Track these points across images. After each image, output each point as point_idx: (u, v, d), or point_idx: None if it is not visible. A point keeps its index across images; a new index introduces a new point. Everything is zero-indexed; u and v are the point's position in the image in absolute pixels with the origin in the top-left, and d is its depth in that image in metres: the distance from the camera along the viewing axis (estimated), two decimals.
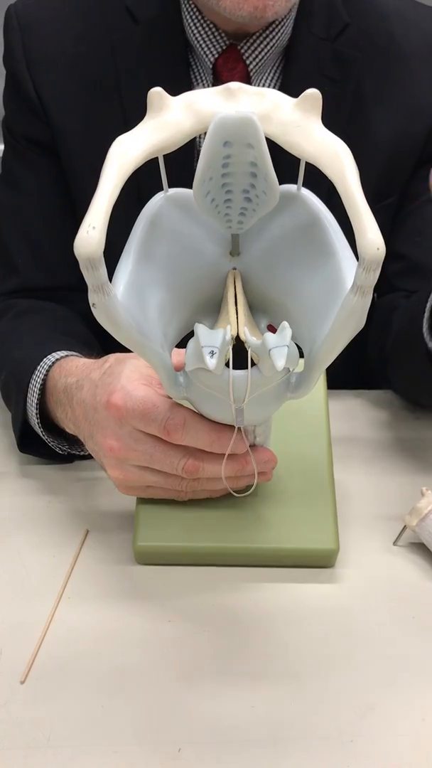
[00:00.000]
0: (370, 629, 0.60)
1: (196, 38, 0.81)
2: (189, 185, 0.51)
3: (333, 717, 0.54)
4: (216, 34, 0.80)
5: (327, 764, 0.51)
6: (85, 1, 0.85)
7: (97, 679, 0.56)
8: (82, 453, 0.73)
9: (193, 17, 0.80)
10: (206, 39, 0.80)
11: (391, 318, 0.84)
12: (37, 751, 0.51)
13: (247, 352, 0.49)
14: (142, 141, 0.44)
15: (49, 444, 0.73)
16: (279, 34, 0.81)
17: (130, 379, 0.59)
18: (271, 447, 0.63)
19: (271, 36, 0.80)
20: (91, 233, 0.40)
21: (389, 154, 0.84)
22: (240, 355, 0.49)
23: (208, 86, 0.83)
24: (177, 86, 0.81)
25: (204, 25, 0.80)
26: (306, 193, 0.51)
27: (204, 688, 0.55)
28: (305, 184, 0.50)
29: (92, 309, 0.44)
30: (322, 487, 0.65)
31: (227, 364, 0.48)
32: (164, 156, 0.46)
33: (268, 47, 0.81)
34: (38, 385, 0.71)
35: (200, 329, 0.47)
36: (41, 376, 0.71)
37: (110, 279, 0.44)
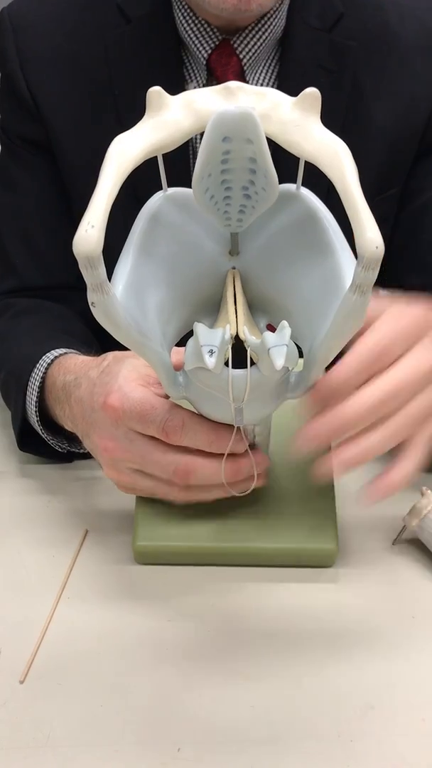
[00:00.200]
0: (370, 629, 0.60)
1: (189, 35, 0.80)
2: (185, 184, 0.51)
3: (333, 717, 0.54)
4: (208, 29, 0.80)
5: (327, 764, 0.51)
6: (77, 2, 0.85)
7: (96, 678, 0.56)
8: (81, 451, 0.73)
9: (185, 14, 0.80)
10: (198, 35, 0.80)
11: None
12: (36, 750, 0.51)
13: (246, 351, 0.49)
14: (141, 140, 0.43)
15: (49, 442, 0.73)
16: (272, 27, 0.80)
17: (128, 380, 0.59)
18: (271, 447, 0.63)
19: (263, 29, 0.80)
20: (90, 232, 0.40)
21: (388, 145, 0.84)
22: (239, 355, 0.49)
23: (202, 82, 0.83)
24: (170, 83, 0.81)
25: (196, 21, 0.80)
26: (305, 192, 0.51)
27: (204, 687, 0.55)
28: (304, 183, 0.50)
29: (91, 308, 0.44)
30: (322, 487, 0.65)
31: (226, 364, 0.48)
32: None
33: (261, 40, 0.80)
34: (37, 383, 0.71)
35: (199, 328, 0.47)
36: (40, 373, 0.71)
37: (109, 278, 0.44)
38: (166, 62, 0.82)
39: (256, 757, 0.51)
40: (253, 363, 0.49)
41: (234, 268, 0.54)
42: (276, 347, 0.46)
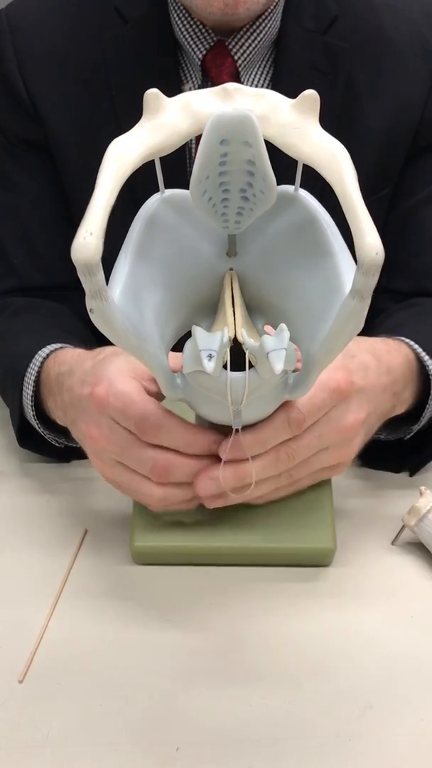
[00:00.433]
0: (369, 629, 0.60)
1: (184, 36, 0.81)
2: (182, 186, 0.51)
3: (331, 716, 0.54)
4: (203, 30, 0.80)
5: (325, 763, 0.51)
6: (74, 3, 0.85)
7: (95, 678, 0.56)
8: (77, 446, 0.73)
9: (180, 15, 0.80)
10: (194, 36, 0.80)
11: (373, 321, 0.84)
12: (35, 750, 0.51)
13: (244, 353, 0.49)
14: (139, 143, 0.43)
15: (45, 437, 0.73)
16: (266, 28, 0.80)
17: (119, 372, 0.59)
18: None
19: (258, 30, 0.80)
20: (88, 239, 0.40)
21: (381, 146, 0.84)
22: (237, 357, 0.49)
23: (197, 83, 0.83)
24: (166, 84, 0.81)
25: (191, 22, 0.80)
26: (303, 194, 0.51)
27: (202, 687, 0.55)
28: (301, 182, 0.50)
29: (90, 314, 0.44)
30: (319, 486, 0.65)
31: (225, 366, 0.48)
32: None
33: (256, 41, 0.80)
34: (33, 377, 0.71)
35: (198, 332, 0.47)
36: (36, 368, 0.71)
37: (107, 279, 0.44)
38: (162, 63, 0.82)
39: (255, 756, 0.51)
40: (251, 365, 0.49)
41: (231, 269, 0.54)
42: (275, 351, 0.46)
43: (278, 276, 0.53)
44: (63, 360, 0.69)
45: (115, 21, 0.82)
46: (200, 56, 0.81)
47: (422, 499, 0.64)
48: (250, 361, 0.49)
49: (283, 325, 0.47)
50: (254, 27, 0.80)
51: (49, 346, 0.73)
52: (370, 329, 0.81)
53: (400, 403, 0.68)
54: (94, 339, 0.83)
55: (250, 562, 0.64)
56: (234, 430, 0.54)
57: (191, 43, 0.80)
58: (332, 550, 0.63)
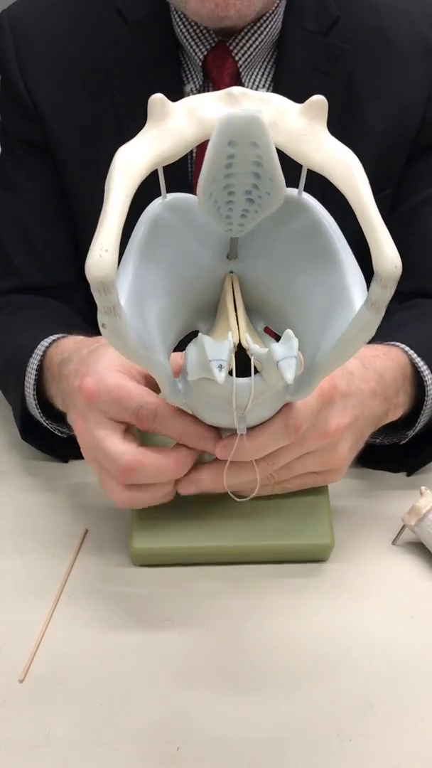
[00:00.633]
0: (369, 628, 0.60)
1: (185, 36, 0.81)
2: (184, 190, 0.50)
3: (332, 716, 0.54)
4: (204, 31, 0.80)
5: (326, 763, 0.51)
6: (76, 3, 0.85)
7: (95, 678, 0.56)
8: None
9: (181, 17, 0.80)
10: (194, 37, 0.80)
11: None
12: (35, 750, 0.51)
13: (247, 357, 0.48)
14: (146, 152, 0.42)
15: (47, 426, 0.73)
16: (267, 29, 0.81)
17: (108, 365, 0.59)
18: None
19: (259, 31, 0.80)
20: (104, 256, 0.39)
21: (383, 146, 0.84)
22: (240, 361, 0.49)
23: (199, 84, 0.83)
24: (168, 85, 0.82)
25: (192, 23, 0.80)
26: (308, 198, 0.50)
27: (202, 687, 0.56)
28: (296, 183, 0.50)
29: (101, 329, 0.44)
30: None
31: (230, 372, 0.48)
32: None
33: (257, 42, 0.81)
34: (35, 367, 0.71)
35: (206, 341, 0.47)
36: (38, 357, 0.72)
37: None
38: (163, 64, 0.82)
39: (255, 756, 0.51)
40: (256, 371, 0.49)
41: (231, 272, 0.54)
42: (285, 359, 0.46)
43: (280, 279, 0.53)
44: (64, 348, 0.70)
45: (116, 21, 0.82)
46: (201, 57, 0.81)
47: (422, 499, 0.65)
48: (255, 367, 0.49)
49: (290, 332, 0.47)
50: (255, 28, 0.80)
51: (51, 336, 0.73)
52: None
53: (393, 407, 0.68)
54: (94, 334, 0.84)
55: (249, 560, 0.64)
56: (238, 434, 0.54)
57: (192, 44, 0.80)
58: (330, 545, 0.64)
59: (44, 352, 0.71)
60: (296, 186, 0.50)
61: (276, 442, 0.58)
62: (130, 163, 0.42)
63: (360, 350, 0.66)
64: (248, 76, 0.82)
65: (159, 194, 0.50)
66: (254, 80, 0.83)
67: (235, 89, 0.44)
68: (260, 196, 0.46)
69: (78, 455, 0.73)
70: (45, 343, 0.72)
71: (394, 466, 0.75)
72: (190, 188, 0.45)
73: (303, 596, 0.62)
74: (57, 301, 0.88)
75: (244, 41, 0.80)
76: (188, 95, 0.49)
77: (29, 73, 0.84)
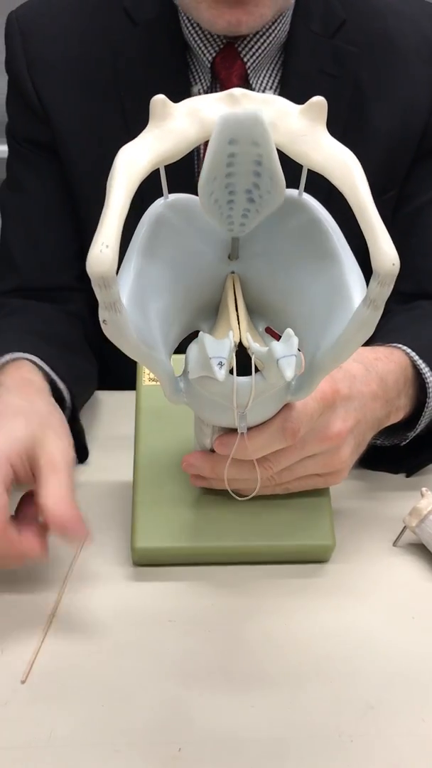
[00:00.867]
0: (370, 630, 0.60)
1: (194, 38, 0.81)
2: (188, 190, 0.51)
3: (333, 717, 0.54)
4: (212, 34, 0.80)
5: (327, 764, 0.51)
6: (84, 4, 0.85)
7: (97, 678, 0.56)
8: None
9: (190, 19, 0.81)
10: (203, 39, 0.81)
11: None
12: (37, 750, 0.51)
13: (247, 356, 0.49)
14: (148, 151, 0.43)
15: None
16: (276, 32, 0.81)
17: None
18: None
19: (267, 34, 0.81)
20: (104, 252, 0.40)
21: (389, 148, 0.85)
22: (241, 360, 0.49)
23: (207, 85, 0.83)
24: (175, 86, 0.82)
25: (200, 26, 0.80)
26: (308, 198, 0.51)
27: (204, 687, 0.56)
28: (307, 187, 0.50)
29: (102, 325, 0.44)
30: None
31: (231, 371, 0.49)
32: None
33: (265, 45, 0.81)
34: None
35: (207, 340, 0.47)
36: None
37: None
38: (171, 65, 0.82)
39: (256, 757, 0.51)
40: (257, 370, 0.49)
41: (233, 272, 0.54)
42: (285, 358, 0.46)
43: (281, 279, 0.53)
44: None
45: (124, 23, 0.83)
46: (210, 59, 0.81)
47: (423, 501, 0.65)
48: (255, 366, 0.49)
49: (290, 331, 0.47)
50: (264, 30, 0.80)
51: (6, 356, 0.71)
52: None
53: (395, 410, 0.68)
54: (97, 342, 0.84)
55: (251, 560, 0.64)
56: (239, 433, 0.54)
57: (201, 45, 0.81)
58: (331, 546, 0.64)
59: None
60: (298, 187, 0.50)
61: (273, 444, 0.58)
62: (132, 162, 0.43)
63: (363, 353, 0.67)
64: (256, 78, 0.83)
65: (163, 194, 0.50)
66: (262, 82, 0.83)
67: (237, 91, 0.44)
68: (261, 195, 0.46)
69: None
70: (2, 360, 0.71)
71: (394, 468, 0.75)
72: (195, 189, 0.46)
73: (304, 597, 0.62)
74: (55, 306, 0.88)
75: (252, 43, 0.81)
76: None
77: (37, 74, 0.84)
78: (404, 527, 0.66)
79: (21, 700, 0.55)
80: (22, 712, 0.54)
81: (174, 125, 0.44)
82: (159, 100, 0.43)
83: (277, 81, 0.84)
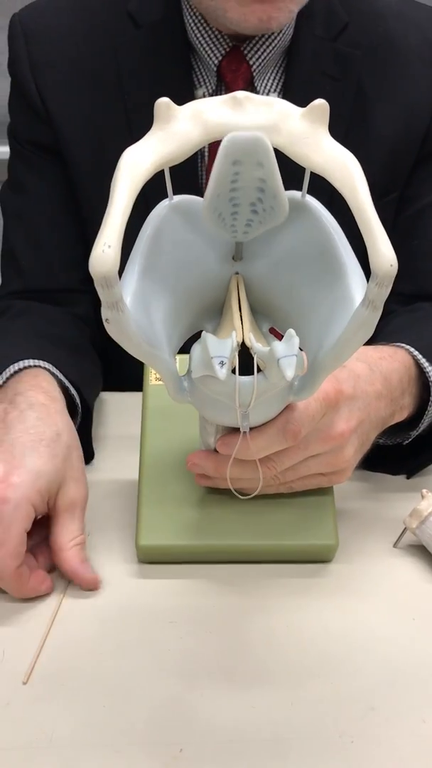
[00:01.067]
0: (371, 630, 0.60)
1: (199, 41, 0.81)
2: (193, 191, 0.51)
3: (334, 718, 0.54)
4: (219, 36, 0.81)
5: (327, 765, 0.51)
6: (87, 8, 0.85)
7: (98, 679, 0.56)
8: None
9: (196, 21, 0.81)
10: (209, 42, 0.81)
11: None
12: (38, 751, 0.51)
13: (250, 356, 0.49)
14: (151, 153, 0.43)
15: None
16: (281, 35, 0.81)
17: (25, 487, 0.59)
18: None
19: (273, 37, 0.81)
20: (107, 252, 0.40)
21: (391, 150, 0.85)
22: (244, 360, 0.49)
23: (212, 88, 0.84)
24: (179, 88, 0.82)
25: (207, 28, 0.80)
26: (311, 200, 0.51)
27: (205, 688, 0.56)
28: (310, 189, 0.51)
29: (105, 324, 0.45)
30: None
31: (233, 371, 0.49)
32: None
33: (270, 48, 0.81)
34: None
35: (209, 339, 0.47)
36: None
37: None
38: (175, 67, 0.82)
39: (257, 757, 0.51)
40: (259, 370, 0.49)
41: (237, 273, 0.54)
42: (286, 358, 0.46)
43: (285, 281, 0.53)
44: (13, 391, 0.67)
45: (127, 26, 0.83)
46: (216, 62, 0.81)
47: (424, 502, 0.65)
48: (257, 365, 0.49)
49: (291, 331, 0.48)
50: (269, 34, 0.80)
51: (20, 362, 0.71)
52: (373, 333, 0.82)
53: (399, 409, 0.69)
54: (101, 343, 0.84)
55: (254, 559, 0.65)
56: (241, 432, 0.55)
57: (207, 48, 0.81)
58: (334, 546, 0.64)
59: (8, 377, 0.70)
60: (301, 188, 0.50)
61: (274, 445, 0.58)
62: (135, 164, 0.43)
63: (367, 352, 0.67)
64: (261, 81, 0.83)
65: (167, 195, 0.51)
66: (267, 85, 0.84)
67: (240, 94, 0.44)
68: (264, 209, 0.46)
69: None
70: (11, 369, 0.71)
71: (394, 469, 0.75)
72: (200, 191, 0.46)
73: (306, 597, 0.63)
74: (59, 308, 0.88)
75: (258, 46, 0.81)
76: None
77: (40, 76, 0.84)
78: (404, 528, 0.66)
79: (22, 701, 0.55)
80: (23, 712, 0.54)
81: (178, 128, 0.44)
82: (163, 102, 0.44)
83: (280, 84, 0.84)
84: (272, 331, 0.57)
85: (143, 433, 0.68)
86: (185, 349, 0.55)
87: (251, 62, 0.82)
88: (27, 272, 0.89)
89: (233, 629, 0.60)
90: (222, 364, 0.46)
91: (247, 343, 0.50)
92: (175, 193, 0.50)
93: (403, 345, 0.71)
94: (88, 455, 0.76)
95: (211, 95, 0.83)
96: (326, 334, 0.50)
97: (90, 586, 0.62)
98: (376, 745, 0.52)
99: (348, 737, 0.53)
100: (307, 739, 0.52)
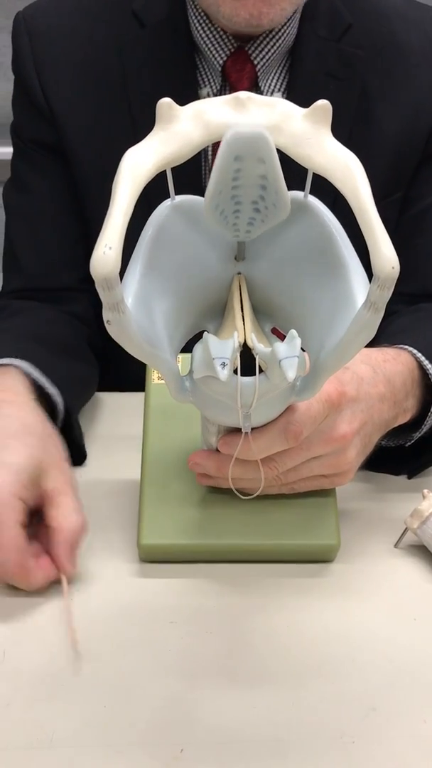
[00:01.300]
0: (372, 631, 0.60)
1: (204, 41, 0.81)
2: (196, 191, 0.51)
3: (334, 718, 0.54)
4: (224, 36, 0.81)
5: (328, 765, 0.51)
6: (92, 7, 0.85)
7: (99, 679, 0.56)
8: None
9: (201, 21, 0.81)
10: (214, 42, 0.81)
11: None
12: (39, 751, 0.51)
13: (252, 357, 0.49)
14: (153, 154, 0.43)
15: None
16: (284, 35, 0.81)
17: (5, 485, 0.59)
18: None
19: (277, 36, 0.81)
20: (107, 253, 0.40)
21: (395, 151, 0.85)
22: (246, 360, 0.49)
23: (216, 88, 0.84)
24: (183, 88, 0.83)
25: (212, 28, 0.81)
26: (314, 201, 0.51)
27: (206, 688, 0.56)
28: (314, 191, 0.51)
29: (106, 325, 0.44)
30: None
31: (235, 371, 0.49)
32: None
33: (275, 48, 0.81)
34: None
35: (210, 340, 0.47)
36: None
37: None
38: (179, 67, 0.83)
39: (258, 758, 0.51)
40: (261, 370, 0.49)
41: (239, 273, 0.54)
42: (287, 359, 0.46)
43: (287, 281, 0.53)
44: None
45: (132, 25, 0.83)
46: (221, 62, 0.82)
47: (425, 502, 0.65)
48: (259, 366, 0.49)
49: (293, 332, 0.48)
50: (273, 34, 0.81)
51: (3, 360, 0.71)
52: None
53: (402, 412, 0.69)
54: (101, 342, 0.84)
55: (256, 559, 0.65)
56: (243, 433, 0.55)
57: (212, 48, 0.81)
58: (336, 546, 0.64)
59: None
60: (303, 189, 0.50)
61: (275, 446, 0.58)
62: (137, 165, 0.43)
63: (371, 355, 0.67)
64: (265, 81, 0.83)
65: (169, 195, 0.51)
66: (270, 85, 0.84)
67: (242, 94, 0.44)
68: (266, 206, 0.46)
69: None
70: None
71: (396, 469, 0.75)
72: (203, 192, 0.46)
73: (308, 597, 0.63)
74: (58, 307, 0.88)
75: (262, 46, 0.81)
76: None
77: (45, 74, 0.84)
78: (405, 529, 0.66)
79: (23, 701, 0.55)
80: (23, 713, 0.54)
81: (179, 128, 0.44)
82: (165, 103, 0.44)
83: (284, 85, 0.84)
84: (275, 331, 0.57)
85: (145, 432, 0.68)
86: (187, 349, 0.55)
87: (256, 62, 0.82)
88: (27, 271, 0.89)
89: (234, 629, 0.60)
90: (223, 365, 0.46)
91: (249, 343, 0.50)
92: (177, 193, 0.50)
93: (407, 347, 0.71)
94: (80, 456, 0.76)
95: (215, 95, 0.83)
96: (328, 334, 0.50)
97: (65, 574, 0.61)
98: (376, 745, 0.52)
99: (349, 737, 0.53)
100: (308, 739, 0.52)
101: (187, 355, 0.54)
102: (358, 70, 0.83)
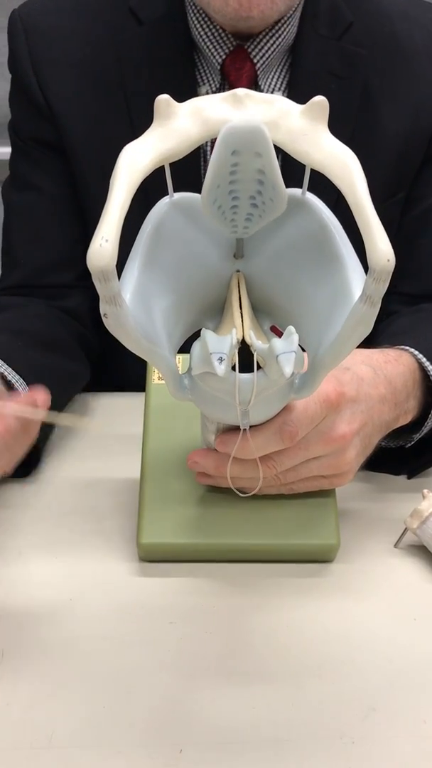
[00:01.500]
0: (372, 631, 0.60)
1: (203, 39, 0.81)
2: (195, 188, 0.51)
3: (334, 718, 0.54)
4: (223, 34, 0.80)
5: (328, 765, 0.51)
6: (88, 4, 0.85)
7: (99, 679, 0.56)
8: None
9: (199, 19, 0.81)
10: (213, 40, 0.81)
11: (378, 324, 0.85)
12: (39, 751, 0.51)
13: (251, 354, 0.49)
14: (150, 150, 0.44)
15: None
16: (284, 33, 0.81)
17: None
18: None
19: (276, 35, 0.81)
20: (104, 246, 0.41)
21: (398, 150, 0.85)
22: (245, 357, 0.49)
23: (215, 86, 0.83)
24: (182, 86, 0.82)
25: (210, 26, 0.80)
26: (311, 197, 0.51)
27: (206, 689, 0.56)
28: (316, 190, 0.51)
29: (103, 319, 0.45)
30: None
31: (233, 368, 0.49)
32: None
33: (274, 46, 0.81)
34: None
35: (208, 336, 0.47)
36: None
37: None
38: (178, 65, 0.82)
39: (257, 758, 0.51)
40: (259, 367, 0.49)
41: (238, 271, 0.54)
42: (284, 354, 0.46)
43: (285, 279, 0.53)
44: None
45: (130, 23, 0.83)
46: (220, 60, 0.81)
47: (425, 502, 0.65)
48: (258, 363, 0.49)
49: (291, 328, 0.48)
50: (273, 32, 0.80)
51: None
52: (374, 333, 0.82)
53: (403, 413, 0.68)
54: (96, 338, 0.83)
55: (256, 558, 0.65)
56: (242, 430, 0.55)
57: (211, 46, 0.81)
58: (336, 546, 0.64)
59: None
60: (301, 187, 0.50)
61: (272, 445, 0.58)
62: (134, 160, 0.43)
63: (372, 356, 0.67)
64: (265, 80, 0.83)
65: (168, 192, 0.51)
66: (270, 83, 0.83)
67: (240, 91, 0.44)
68: (264, 201, 0.46)
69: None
70: None
71: (396, 469, 0.75)
72: (201, 188, 0.46)
73: (307, 597, 0.62)
74: (50, 304, 0.88)
75: (262, 44, 0.81)
76: None
77: (42, 72, 0.84)
78: (405, 529, 0.66)
79: (22, 701, 0.55)
80: (23, 713, 0.54)
81: (177, 124, 0.44)
82: (163, 99, 0.44)
83: (285, 83, 0.84)
84: (274, 329, 0.57)
85: (145, 431, 0.68)
86: (186, 348, 0.55)
87: (255, 60, 0.81)
88: (25, 267, 0.89)
89: (234, 629, 0.60)
90: (221, 360, 0.46)
91: (247, 340, 0.50)
92: (177, 190, 0.50)
93: (408, 348, 0.71)
94: (32, 464, 0.74)
95: (214, 93, 0.83)
96: (326, 330, 0.50)
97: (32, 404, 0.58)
98: (376, 745, 0.52)
99: (348, 737, 0.52)
100: (308, 739, 0.52)
101: (187, 356, 0.54)
102: (359, 69, 0.83)
